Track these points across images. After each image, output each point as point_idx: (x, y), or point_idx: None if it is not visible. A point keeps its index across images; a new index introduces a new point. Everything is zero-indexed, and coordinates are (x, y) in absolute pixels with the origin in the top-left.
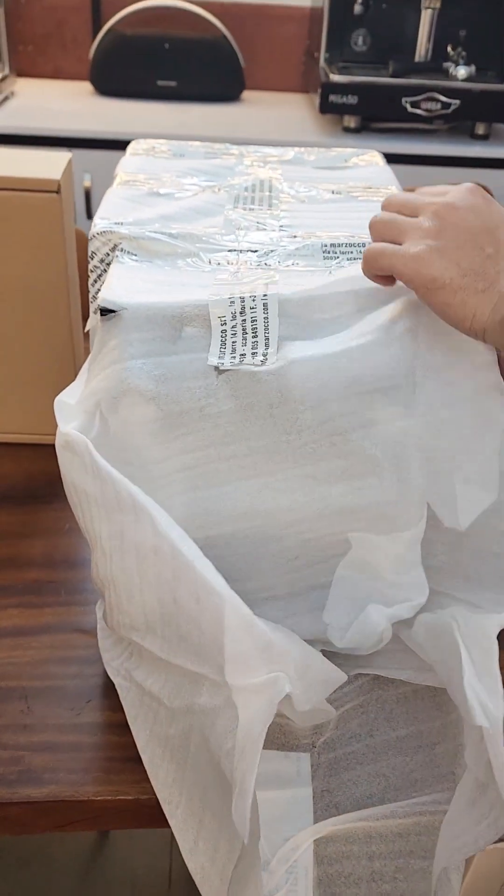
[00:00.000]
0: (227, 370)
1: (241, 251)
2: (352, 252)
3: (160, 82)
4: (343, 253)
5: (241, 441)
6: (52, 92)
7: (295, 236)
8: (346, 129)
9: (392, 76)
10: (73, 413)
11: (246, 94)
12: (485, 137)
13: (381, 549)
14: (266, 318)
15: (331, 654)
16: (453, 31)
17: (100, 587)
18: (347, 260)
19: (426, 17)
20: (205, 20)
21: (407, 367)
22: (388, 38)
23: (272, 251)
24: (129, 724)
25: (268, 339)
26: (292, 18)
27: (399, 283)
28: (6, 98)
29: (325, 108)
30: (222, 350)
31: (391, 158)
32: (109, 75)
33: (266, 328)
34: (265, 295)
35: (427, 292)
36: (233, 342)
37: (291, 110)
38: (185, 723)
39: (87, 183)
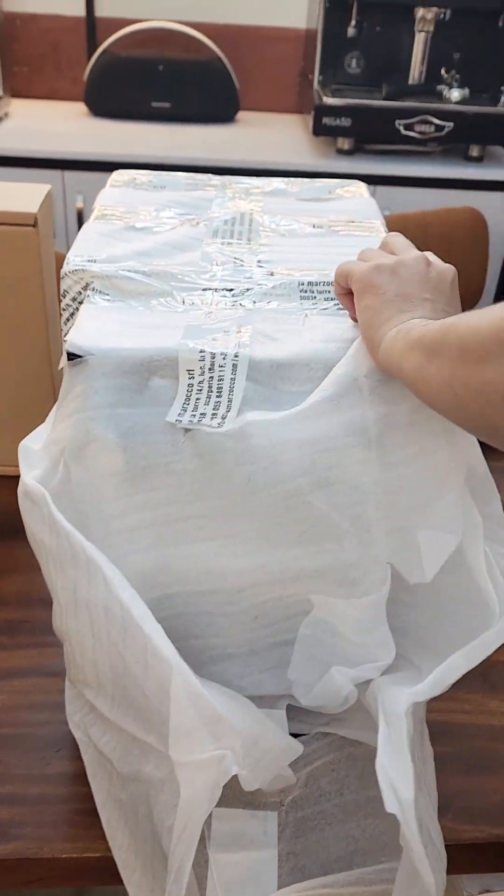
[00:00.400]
0: (192, 429)
1: (215, 290)
2: (329, 292)
3: (154, 103)
4: (320, 293)
5: (203, 501)
6: (47, 113)
7: (272, 273)
8: (340, 151)
9: (385, 99)
10: (37, 459)
11: (241, 114)
12: (479, 159)
13: (343, 611)
14: (233, 379)
15: (298, 710)
16: (447, 54)
17: (60, 637)
18: (325, 300)
19: (420, 40)
20: (199, 42)
21: (363, 425)
22: (381, 60)
23: (248, 290)
24: (90, 780)
25: (230, 401)
26: (287, 39)
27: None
28: (1, 119)
29: (319, 130)
30: (185, 405)
31: (385, 180)
32: (104, 96)
33: (231, 390)
34: (236, 355)
35: (362, 293)
36: (196, 399)
37: (286, 131)
38: (135, 789)
39: (79, 204)
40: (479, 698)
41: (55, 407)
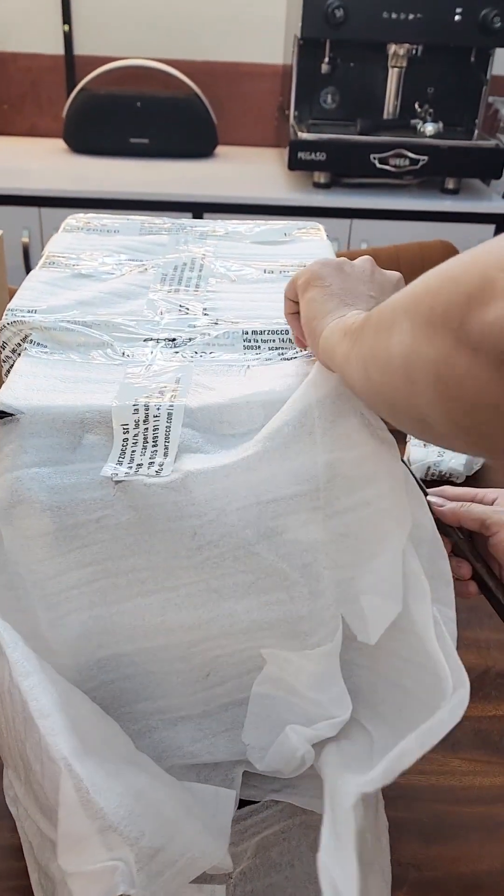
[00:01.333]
0: (123, 481)
1: (157, 340)
2: (273, 340)
3: (133, 140)
4: (265, 342)
5: (141, 554)
6: (26, 150)
7: (217, 322)
8: (317, 185)
9: (360, 133)
10: None
11: (220, 149)
12: (455, 192)
13: (296, 665)
14: (168, 427)
15: (249, 775)
16: (420, 89)
17: None
18: (269, 349)
19: (393, 76)
20: (176, 79)
21: (310, 472)
22: (356, 95)
23: (191, 340)
24: (25, 857)
25: (167, 448)
26: (264, 75)
27: (310, 394)
28: None
29: (294, 164)
30: (120, 459)
31: (362, 213)
32: (82, 133)
33: (167, 437)
34: (171, 405)
35: (306, 286)
36: (132, 451)
37: (264, 166)
38: (46, 884)
39: None
40: (438, 757)
41: None
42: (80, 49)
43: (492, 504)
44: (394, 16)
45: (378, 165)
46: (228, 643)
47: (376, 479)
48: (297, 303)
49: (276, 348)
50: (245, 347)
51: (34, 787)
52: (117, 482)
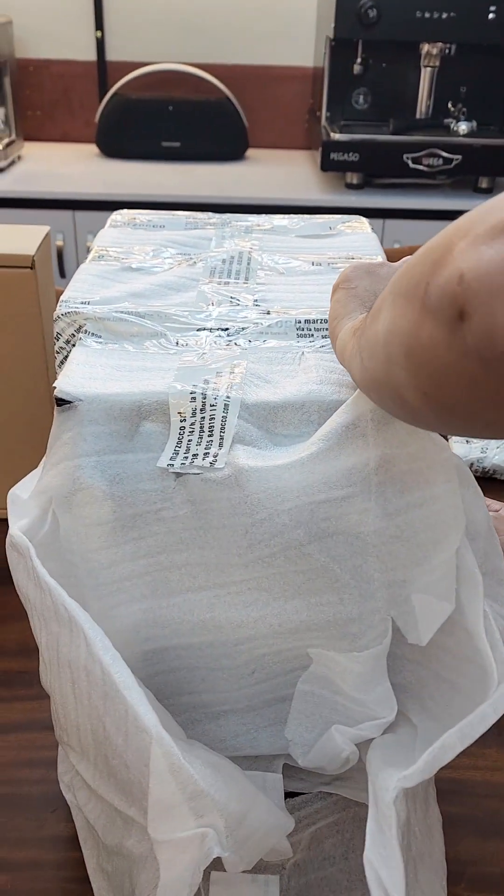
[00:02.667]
0: (182, 473)
1: (210, 329)
2: (327, 329)
3: (165, 143)
4: (318, 330)
5: (194, 549)
6: (59, 155)
7: (268, 312)
8: (349, 186)
9: (393, 133)
10: (25, 508)
11: (250, 152)
12: (489, 191)
13: (343, 666)
14: (224, 417)
15: (296, 768)
16: (454, 88)
17: (48, 692)
18: (322, 337)
19: (426, 75)
20: (208, 83)
21: (362, 474)
22: (388, 96)
23: (243, 329)
24: (81, 846)
25: (222, 438)
26: (295, 78)
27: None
28: (13, 162)
29: (327, 165)
30: (177, 448)
31: (395, 213)
32: (115, 138)
33: (223, 428)
34: (228, 396)
35: (335, 289)
36: (188, 441)
37: (295, 168)
38: (119, 863)
39: (90, 243)
40: (493, 753)
41: (46, 453)
42: (112, 55)
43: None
44: (427, 15)
45: (411, 165)
46: (276, 642)
47: (429, 480)
48: None
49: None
50: (298, 336)
51: (112, 764)
52: (179, 475)
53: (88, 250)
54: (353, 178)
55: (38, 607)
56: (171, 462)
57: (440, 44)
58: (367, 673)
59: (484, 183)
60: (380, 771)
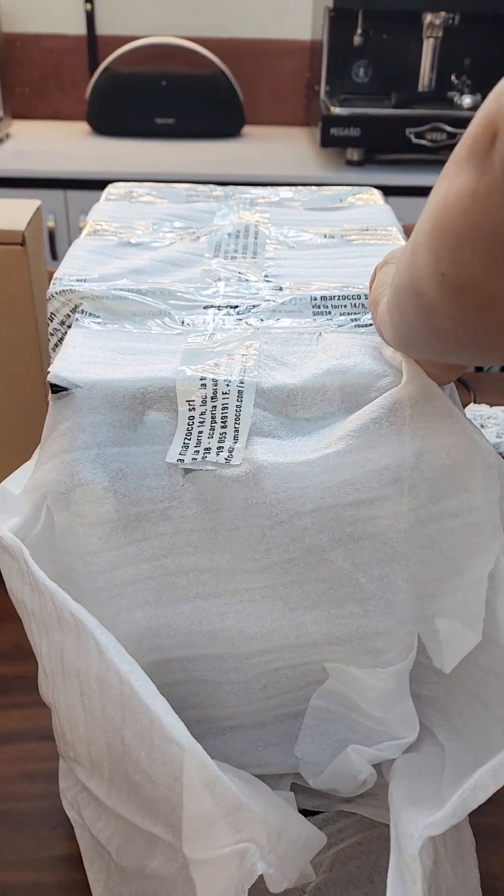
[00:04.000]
0: (194, 470)
1: (219, 307)
2: (345, 305)
3: (158, 120)
4: (335, 307)
5: (204, 553)
6: (49, 133)
7: (281, 288)
8: (349, 163)
9: (395, 107)
10: (16, 505)
11: (247, 129)
12: None
13: (363, 683)
14: (239, 406)
15: (309, 789)
16: (457, 60)
17: (48, 704)
18: (340, 315)
19: (428, 47)
20: (202, 57)
21: (395, 475)
22: (390, 68)
23: (255, 306)
24: (86, 868)
25: (237, 431)
26: (292, 52)
27: (390, 376)
28: (1, 141)
29: (327, 141)
30: (186, 441)
31: (396, 191)
32: (107, 115)
33: (237, 419)
34: (241, 381)
35: (384, 262)
36: (199, 433)
37: (293, 145)
38: (139, 886)
39: (82, 223)
40: None
41: (40, 445)
42: (102, 28)
43: None
44: None
45: (414, 140)
46: (291, 656)
47: (468, 487)
48: None
49: (349, 314)
50: (315, 314)
51: (133, 779)
52: (186, 471)
53: (82, 230)
54: (353, 154)
55: (37, 614)
56: (181, 457)
57: (443, 13)
58: (389, 690)
59: None
60: (403, 810)
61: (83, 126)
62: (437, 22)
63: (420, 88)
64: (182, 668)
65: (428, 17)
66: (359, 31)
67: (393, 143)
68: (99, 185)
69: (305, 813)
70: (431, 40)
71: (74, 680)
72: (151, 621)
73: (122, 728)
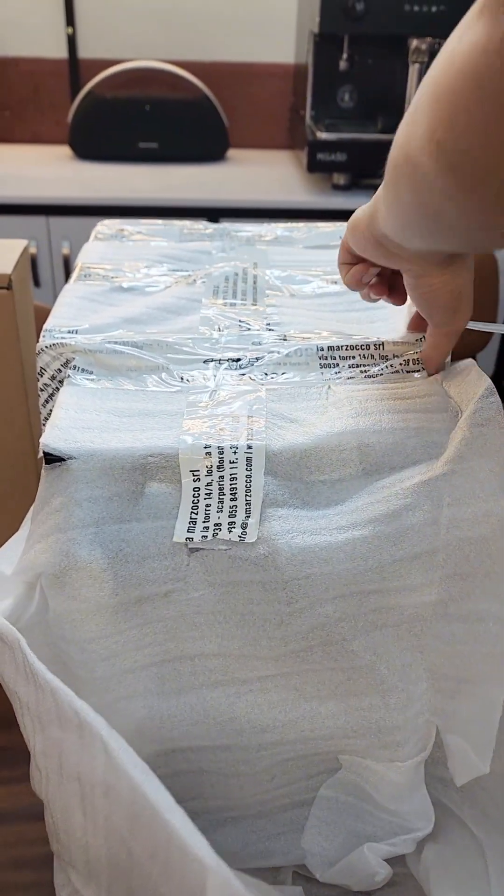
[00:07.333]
0: (200, 548)
1: (220, 361)
2: (353, 357)
3: (142, 144)
4: (343, 358)
5: (212, 639)
6: (30, 157)
7: (285, 338)
8: (336, 187)
9: (381, 132)
10: (8, 585)
11: (231, 152)
12: None
13: (379, 776)
14: (248, 476)
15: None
16: None
17: (39, 796)
18: (349, 367)
19: (414, 72)
20: (186, 81)
21: (424, 565)
22: (375, 93)
23: (258, 359)
24: None
25: (248, 504)
26: (275, 75)
27: (414, 438)
28: None
29: (313, 166)
30: (193, 517)
31: None
32: (89, 139)
33: (248, 490)
34: (249, 447)
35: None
36: (206, 507)
37: (278, 168)
38: None
39: (65, 251)
40: None
41: (31, 513)
42: (84, 52)
43: None
44: (416, 9)
45: None
46: (304, 748)
47: (500, 596)
48: (352, 254)
49: (357, 365)
50: (322, 365)
51: (138, 894)
52: (194, 550)
53: (65, 257)
54: (339, 178)
55: (33, 708)
56: (189, 535)
57: (429, 39)
58: (405, 784)
59: None
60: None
61: (65, 150)
62: (423, 47)
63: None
64: (186, 758)
65: (414, 43)
66: (344, 55)
67: (380, 168)
68: (82, 210)
69: None
70: (417, 65)
71: (74, 783)
72: (153, 711)
73: (130, 840)
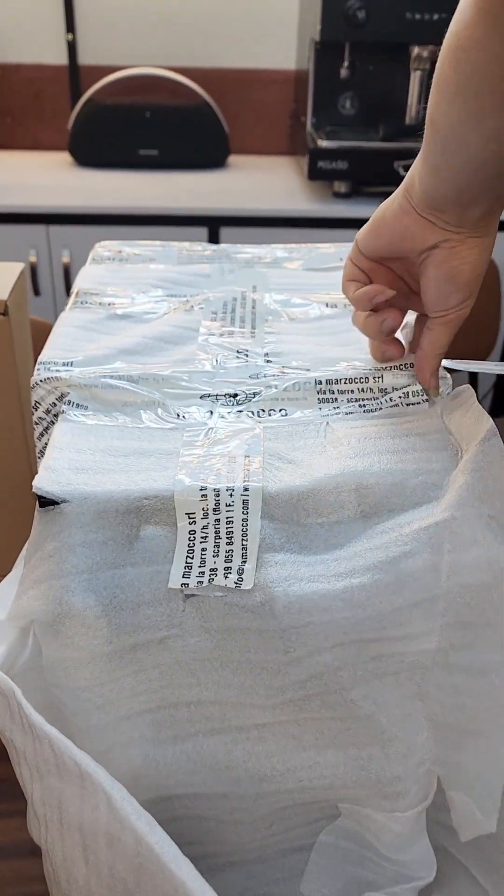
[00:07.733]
0: (196, 594)
1: (216, 397)
2: (352, 391)
3: (142, 151)
4: (342, 392)
5: (209, 686)
6: (30, 164)
7: (283, 371)
8: (337, 195)
9: (382, 140)
10: (1, 631)
11: (232, 158)
12: None
13: (380, 825)
14: (245, 519)
15: None
16: None
17: (36, 842)
18: (348, 401)
19: (415, 79)
20: (186, 87)
21: (425, 612)
22: (377, 100)
23: (255, 394)
24: None
25: (244, 549)
26: (276, 82)
27: (413, 479)
28: None
29: (314, 174)
30: (189, 561)
31: None
32: (89, 146)
33: (244, 534)
34: (246, 489)
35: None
36: (202, 550)
37: (279, 175)
38: None
39: (66, 259)
40: None
41: (24, 553)
42: (84, 58)
43: None
44: (417, 16)
45: (402, 173)
46: (303, 796)
47: (502, 647)
48: (361, 269)
49: (356, 400)
50: (320, 400)
51: None
52: (189, 596)
53: (65, 266)
54: (340, 186)
55: (30, 757)
56: (185, 580)
57: (431, 46)
58: (406, 833)
59: None
60: None
61: (65, 157)
62: (425, 55)
63: (407, 121)
64: (182, 805)
65: (415, 50)
66: (345, 63)
67: (381, 176)
68: (82, 219)
69: None
70: (419, 72)
71: (76, 833)
72: (149, 758)
73: (136, 891)
